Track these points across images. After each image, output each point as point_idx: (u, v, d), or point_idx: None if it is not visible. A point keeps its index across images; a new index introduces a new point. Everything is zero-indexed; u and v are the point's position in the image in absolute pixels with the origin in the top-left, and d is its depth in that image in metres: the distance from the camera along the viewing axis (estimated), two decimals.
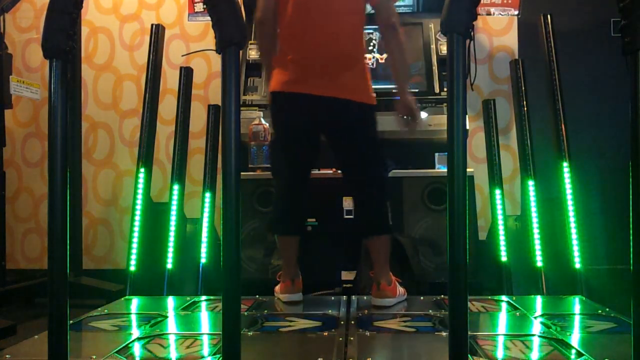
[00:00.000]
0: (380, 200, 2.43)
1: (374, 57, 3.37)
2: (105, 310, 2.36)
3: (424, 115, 3.12)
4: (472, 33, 3.47)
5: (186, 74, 3.19)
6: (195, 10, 3.62)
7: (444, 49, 3.23)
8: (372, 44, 3.40)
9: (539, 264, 2.79)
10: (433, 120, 3.09)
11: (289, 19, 2.32)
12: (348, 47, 2.34)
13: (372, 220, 2.42)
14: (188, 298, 2.59)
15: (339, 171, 2.53)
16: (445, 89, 3.15)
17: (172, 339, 1.93)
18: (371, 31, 3.41)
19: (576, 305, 2.48)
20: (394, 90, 2.55)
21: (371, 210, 2.43)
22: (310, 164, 2.50)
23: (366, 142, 2.40)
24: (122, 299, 2.67)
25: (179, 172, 3.06)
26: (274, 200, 2.64)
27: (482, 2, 3.28)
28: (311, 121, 2.35)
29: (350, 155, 2.43)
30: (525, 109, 3.08)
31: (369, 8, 2.41)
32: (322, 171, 3.09)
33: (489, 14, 3.41)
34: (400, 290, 2.49)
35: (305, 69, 2.30)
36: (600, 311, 2.27)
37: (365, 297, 2.57)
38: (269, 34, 2.39)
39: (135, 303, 2.60)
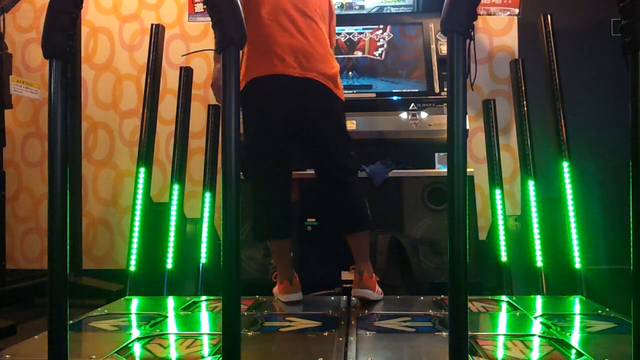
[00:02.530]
0: (359, 193, 2.46)
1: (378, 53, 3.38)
2: (105, 310, 2.36)
3: (424, 115, 3.12)
4: (472, 33, 3.47)
5: (186, 74, 3.20)
6: (195, 10, 3.61)
7: (444, 49, 3.23)
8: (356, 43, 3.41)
9: (539, 264, 2.79)
10: (433, 120, 3.09)
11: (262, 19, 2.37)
12: (322, 48, 2.43)
13: (355, 216, 2.44)
14: (188, 298, 2.59)
15: (312, 169, 2.54)
16: (445, 89, 3.15)
17: (172, 339, 1.93)
18: (363, 31, 3.41)
19: (576, 305, 2.48)
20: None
21: (352, 204, 2.44)
22: (293, 153, 2.47)
23: (340, 132, 2.45)
24: (122, 299, 2.67)
25: (179, 172, 3.06)
26: (257, 203, 2.46)
27: (482, 2, 3.28)
28: (291, 103, 2.34)
29: (326, 144, 2.41)
30: (525, 109, 3.08)
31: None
32: None
33: (489, 14, 3.41)
34: (379, 289, 2.53)
35: (282, 57, 2.32)
36: (600, 311, 2.27)
37: None
38: None
39: (135, 303, 2.60)
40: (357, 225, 2.46)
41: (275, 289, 2.57)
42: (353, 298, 2.52)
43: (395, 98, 3.21)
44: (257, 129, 2.39)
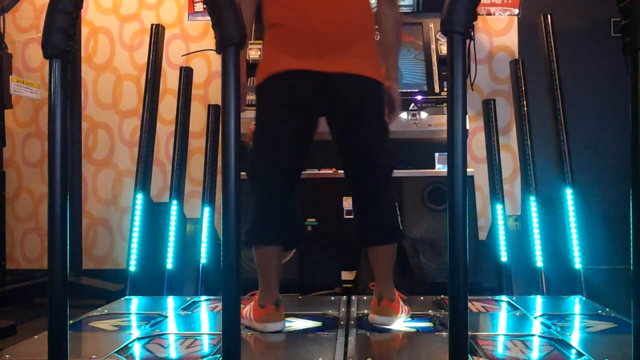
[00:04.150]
0: (390, 200, 2.07)
1: None
2: (105, 310, 2.36)
3: (424, 115, 3.12)
4: (472, 33, 3.47)
5: (186, 74, 3.20)
6: (195, 10, 3.61)
7: (444, 49, 3.23)
8: None
9: (539, 264, 2.79)
10: (433, 120, 3.09)
11: None
12: (359, 10, 1.98)
13: (381, 225, 2.04)
14: (188, 298, 2.59)
15: (341, 170, 2.14)
16: (445, 89, 3.15)
17: (172, 339, 1.93)
18: None
19: (576, 305, 2.48)
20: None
21: (380, 212, 2.05)
22: (307, 155, 2.08)
23: (377, 127, 2.03)
24: (122, 299, 2.67)
25: (179, 172, 3.05)
26: (257, 206, 2.00)
27: (482, 2, 3.28)
28: (316, 104, 1.97)
29: (358, 142, 2.02)
30: (525, 109, 3.08)
31: None
32: (322, 171, 3.10)
33: (489, 14, 3.41)
34: (405, 308, 2.13)
35: (309, 41, 1.91)
36: (600, 311, 2.27)
37: (365, 297, 2.57)
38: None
39: (135, 303, 2.59)
40: (387, 237, 2.07)
41: (251, 313, 2.02)
42: (353, 298, 2.51)
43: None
44: (281, 120, 1.99)
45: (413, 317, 2.18)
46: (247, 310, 2.04)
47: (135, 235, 2.87)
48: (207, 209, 3.06)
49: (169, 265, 2.87)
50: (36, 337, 1.90)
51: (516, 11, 3.38)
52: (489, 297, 2.59)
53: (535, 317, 2.19)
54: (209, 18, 1.24)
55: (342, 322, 2.09)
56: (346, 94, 1.95)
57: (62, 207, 1.19)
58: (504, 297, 2.58)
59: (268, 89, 1.99)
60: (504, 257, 2.85)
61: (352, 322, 2.09)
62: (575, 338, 1.92)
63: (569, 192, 2.81)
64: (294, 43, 1.93)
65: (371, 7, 2.07)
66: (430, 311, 2.28)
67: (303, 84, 1.93)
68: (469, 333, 1.14)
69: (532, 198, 2.91)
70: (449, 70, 1.13)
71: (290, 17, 1.94)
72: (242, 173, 1.22)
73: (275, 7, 1.99)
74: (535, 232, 2.84)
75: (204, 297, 2.64)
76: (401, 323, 2.07)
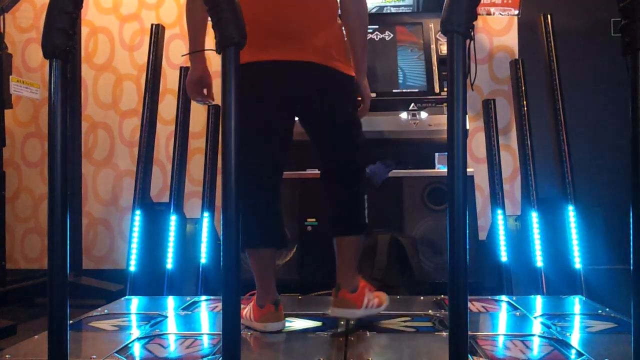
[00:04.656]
0: (359, 194, 2.04)
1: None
2: (105, 310, 2.36)
3: (424, 115, 3.12)
4: (472, 33, 3.47)
5: (186, 74, 3.17)
6: None
7: (444, 49, 3.23)
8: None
9: (539, 264, 2.79)
10: (433, 120, 3.09)
11: None
12: (322, 2, 1.97)
13: (347, 217, 2.03)
14: (188, 298, 2.59)
15: (312, 169, 2.15)
16: (445, 89, 3.15)
17: (172, 339, 1.93)
18: (371, 30, 3.41)
19: (576, 305, 2.48)
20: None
21: (346, 205, 2.04)
22: (287, 148, 2.04)
23: (346, 120, 2.01)
24: (122, 299, 2.67)
25: (179, 172, 3.05)
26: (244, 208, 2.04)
27: (482, 2, 3.28)
28: (286, 94, 1.94)
29: (327, 134, 2.01)
30: (525, 109, 3.08)
31: None
32: None
33: (489, 14, 3.41)
34: (373, 301, 2.02)
35: (269, 31, 1.88)
36: (600, 311, 2.27)
37: None
38: None
39: (135, 303, 2.60)
40: (352, 229, 2.04)
41: (249, 314, 2.03)
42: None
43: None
44: (252, 115, 1.87)
45: (413, 317, 2.18)
46: (247, 310, 2.04)
47: (135, 235, 2.87)
48: (207, 209, 3.06)
49: (169, 265, 2.87)
50: (36, 337, 1.90)
51: (516, 11, 3.38)
52: (489, 297, 2.59)
53: (535, 317, 2.19)
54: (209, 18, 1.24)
55: (342, 322, 2.09)
56: (311, 83, 1.91)
57: (62, 207, 1.19)
58: (504, 297, 2.58)
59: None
60: (504, 257, 2.85)
61: (352, 322, 2.09)
62: (575, 338, 1.92)
63: (568, 192, 2.81)
64: (255, 35, 1.87)
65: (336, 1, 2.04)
66: (430, 311, 2.28)
67: (267, 75, 1.90)
68: (469, 333, 1.14)
69: (532, 198, 2.91)
70: (449, 70, 1.13)
71: (249, 9, 1.92)
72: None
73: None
74: (535, 232, 2.84)
75: (204, 297, 2.64)
76: (367, 313, 1.99)
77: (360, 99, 2.10)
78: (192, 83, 2.10)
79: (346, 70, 1.99)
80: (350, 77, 2.00)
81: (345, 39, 2.06)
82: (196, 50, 2.08)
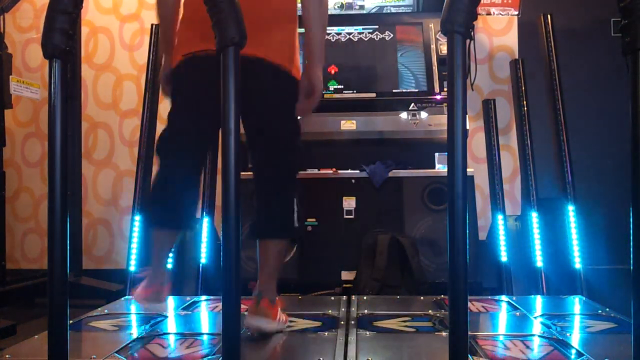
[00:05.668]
0: (287, 194, 1.98)
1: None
2: (105, 310, 2.36)
3: (424, 115, 3.12)
4: (472, 33, 3.47)
5: None
6: None
7: (444, 49, 3.23)
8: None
9: (539, 264, 2.79)
10: (433, 120, 3.09)
11: None
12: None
13: (273, 219, 1.96)
14: (188, 298, 2.59)
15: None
16: (445, 89, 3.15)
17: (172, 339, 1.93)
18: (363, 31, 3.41)
19: (576, 305, 2.48)
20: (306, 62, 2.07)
21: (272, 204, 1.97)
22: (214, 138, 1.98)
23: (282, 119, 1.97)
24: (122, 299, 2.67)
25: None
26: (158, 184, 1.97)
27: (482, 2, 3.28)
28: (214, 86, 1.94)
29: (261, 133, 1.96)
30: (525, 109, 3.08)
31: None
32: (322, 171, 3.10)
33: (489, 14, 3.41)
34: (283, 317, 2.01)
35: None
36: (600, 311, 2.27)
37: (365, 297, 2.57)
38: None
39: (135, 303, 2.59)
40: (272, 231, 1.96)
41: (139, 290, 2.04)
42: (353, 298, 2.50)
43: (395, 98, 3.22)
44: (188, 100, 2.01)
45: (413, 317, 2.18)
46: (140, 288, 2.03)
47: (135, 235, 2.87)
48: (207, 209, 3.06)
49: (169, 265, 2.87)
50: (36, 337, 1.90)
51: (516, 11, 3.38)
52: (489, 297, 2.59)
53: (535, 317, 2.19)
54: None
55: (342, 322, 2.09)
56: (256, 79, 1.84)
57: (62, 207, 1.19)
58: (504, 297, 2.58)
59: (175, 73, 1.99)
60: (504, 257, 2.85)
61: (352, 322, 2.09)
62: (575, 338, 1.92)
63: (568, 192, 2.81)
64: (197, 27, 1.85)
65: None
66: (430, 311, 2.28)
67: (215, 63, 1.87)
68: (469, 333, 1.14)
69: (532, 198, 2.91)
70: (449, 70, 1.13)
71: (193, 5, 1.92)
72: (242, 173, 1.22)
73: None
74: (535, 232, 2.84)
75: (204, 297, 2.64)
76: (279, 327, 1.95)
77: (308, 91, 2.00)
78: (167, 79, 2.09)
79: (293, 72, 1.96)
80: (295, 80, 1.97)
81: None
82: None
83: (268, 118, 1.95)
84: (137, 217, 2.89)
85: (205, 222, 3.02)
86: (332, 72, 3.29)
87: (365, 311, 2.29)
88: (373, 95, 3.24)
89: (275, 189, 1.98)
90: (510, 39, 3.70)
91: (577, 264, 2.71)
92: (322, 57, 2.04)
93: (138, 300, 2.03)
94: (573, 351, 1.73)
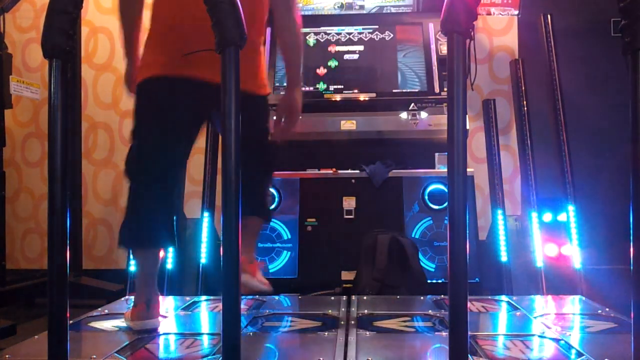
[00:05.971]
0: (267, 186, 2.35)
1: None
2: (105, 310, 2.36)
3: (424, 115, 3.13)
4: (472, 33, 3.47)
5: None
6: None
7: (444, 49, 3.23)
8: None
9: (539, 264, 2.79)
10: (433, 120, 3.10)
11: None
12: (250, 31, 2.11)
13: (256, 200, 2.18)
14: (188, 298, 2.59)
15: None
16: (445, 89, 3.15)
17: (172, 339, 1.93)
18: (363, 31, 3.41)
19: (576, 305, 2.48)
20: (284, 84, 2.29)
21: (256, 192, 2.20)
22: (187, 156, 2.10)
23: (261, 133, 2.17)
24: (122, 299, 2.66)
25: None
26: (135, 206, 1.98)
27: (482, 2, 3.28)
28: (205, 112, 2.05)
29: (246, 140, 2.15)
30: (525, 109, 3.09)
31: None
32: (322, 171, 3.10)
33: (489, 14, 3.41)
34: (264, 279, 2.27)
35: (197, 47, 1.82)
36: (600, 311, 2.27)
37: (365, 297, 2.57)
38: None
39: None
40: (256, 209, 2.21)
41: (127, 313, 2.06)
42: (353, 298, 2.51)
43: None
44: (165, 124, 1.98)
45: (413, 317, 2.18)
46: (129, 310, 2.05)
47: None
48: (207, 209, 3.06)
49: (169, 265, 2.87)
50: (36, 337, 1.90)
51: (516, 11, 3.38)
52: (489, 297, 2.59)
53: (535, 317, 2.19)
54: None
55: (342, 322, 2.09)
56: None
57: (62, 207, 1.19)
58: (504, 297, 2.58)
59: (147, 89, 1.98)
60: (504, 257, 2.85)
61: (352, 322, 2.09)
62: (575, 338, 1.92)
63: (568, 192, 2.81)
64: (182, 49, 1.91)
65: (265, 24, 2.12)
66: (430, 311, 2.28)
67: (190, 91, 1.94)
68: (469, 333, 1.14)
69: (532, 198, 2.91)
70: (449, 70, 1.13)
71: (181, 25, 1.98)
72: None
73: (165, 12, 2.06)
74: (535, 232, 2.84)
75: (204, 297, 2.64)
76: (259, 285, 2.19)
77: (289, 113, 2.20)
78: (132, 78, 2.11)
79: (264, 91, 2.15)
80: (266, 97, 2.17)
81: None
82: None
83: (252, 134, 1.98)
84: None
85: (205, 222, 3.02)
86: (332, 72, 3.30)
87: (365, 311, 2.29)
88: (373, 95, 3.24)
89: (260, 181, 2.25)
90: (510, 39, 3.71)
91: (577, 264, 2.71)
92: (300, 81, 2.29)
93: (128, 323, 2.02)
94: (573, 351, 1.73)
